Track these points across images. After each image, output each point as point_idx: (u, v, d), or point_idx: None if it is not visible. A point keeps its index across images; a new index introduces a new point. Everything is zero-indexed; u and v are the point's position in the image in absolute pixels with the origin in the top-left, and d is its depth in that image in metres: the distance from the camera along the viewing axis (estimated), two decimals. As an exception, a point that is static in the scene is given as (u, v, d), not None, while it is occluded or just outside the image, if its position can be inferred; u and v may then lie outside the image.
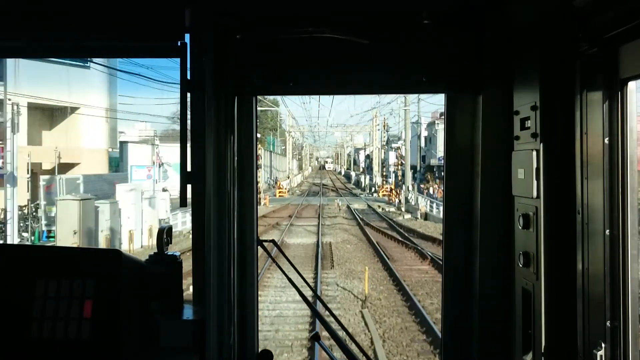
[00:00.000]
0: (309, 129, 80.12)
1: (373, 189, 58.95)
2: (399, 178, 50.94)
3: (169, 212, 27.43)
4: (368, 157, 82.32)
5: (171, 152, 57.14)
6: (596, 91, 1.84)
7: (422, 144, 63.17)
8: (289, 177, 71.17)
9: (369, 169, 79.19)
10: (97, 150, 38.73)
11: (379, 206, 42.44)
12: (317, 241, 23.58)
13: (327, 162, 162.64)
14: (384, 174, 59.17)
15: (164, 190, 48.42)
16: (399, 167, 52.67)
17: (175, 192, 55.24)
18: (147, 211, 24.08)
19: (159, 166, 55.87)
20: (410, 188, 39.80)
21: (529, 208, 2.04)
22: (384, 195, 53.03)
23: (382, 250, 20.85)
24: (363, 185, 68.68)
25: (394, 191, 43.71)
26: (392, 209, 40.10)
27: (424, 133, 63.73)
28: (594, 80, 1.85)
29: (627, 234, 1.79)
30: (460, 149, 2.41)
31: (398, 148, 56.50)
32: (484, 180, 2.30)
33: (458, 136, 2.42)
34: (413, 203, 38.35)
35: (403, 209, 37.90)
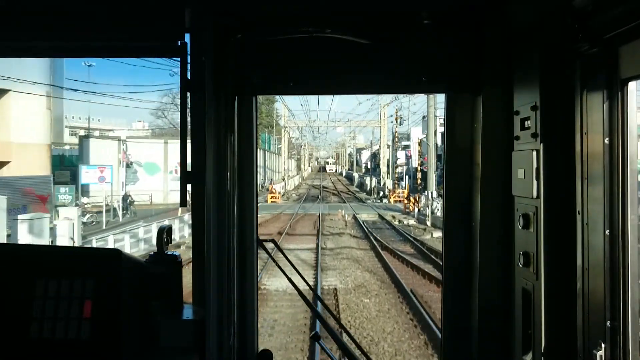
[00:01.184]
0: (307, 123, 70.53)
1: (381, 193, 49.76)
2: (418, 182, 41.31)
3: (79, 239, 17.45)
4: (374, 156, 72.83)
5: (145, 150, 47.14)
6: (596, 91, 1.98)
7: (439, 141, 53.36)
8: (284, 179, 61.67)
9: (375, 169, 69.57)
10: (33, 146, 29.37)
11: (394, 217, 38.21)
12: (315, 286, 15.74)
13: (328, 162, 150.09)
14: (396, 175, 49.65)
15: (126, 196, 38.40)
16: (419, 167, 43.18)
17: (145, 197, 44.93)
18: (27, 242, 14.31)
19: (127, 166, 45.90)
20: (435, 195, 30.19)
21: (529, 208, 2.19)
22: (396, 201, 47.35)
23: (425, 309, 13.25)
24: (369, 188, 63.55)
25: (412, 198, 34.41)
26: (412, 222, 35.02)
27: (441, 129, 53.91)
28: (594, 81, 1.99)
29: (627, 234, 1.91)
30: (460, 149, 2.57)
31: (420, 142, 46.98)
32: (484, 180, 2.46)
33: (458, 136, 2.58)
34: (440, 214, 28.37)
35: (429, 223, 28.21)
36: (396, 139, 54.88)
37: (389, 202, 48.13)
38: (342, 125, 69.60)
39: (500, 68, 2.35)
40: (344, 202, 48.45)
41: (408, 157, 63.97)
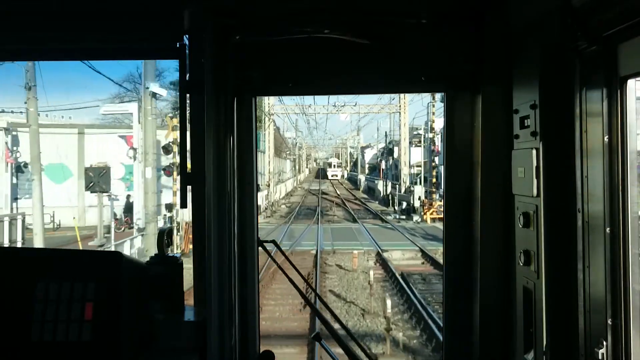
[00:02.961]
0: (299, 106, 53.86)
1: (404, 204, 39.07)
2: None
3: None
4: (390, 152, 55.99)
5: (48, 145, 29.79)
6: (595, 89, 1.99)
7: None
8: (269, 185, 44.96)
9: (389, 170, 53.17)
10: None
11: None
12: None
13: (330, 164, 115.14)
14: (434, 180, 33.64)
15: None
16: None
17: (47, 218, 27.73)
18: None
19: (15, 171, 28.53)
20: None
21: (529, 206, 2.20)
22: (433, 219, 32.88)
23: None
24: (381, 194, 49.35)
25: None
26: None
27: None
28: (593, 79, 2.01)
29: (627, 232, 1.92)
30: (460, 148, 2.59)
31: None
32: (484, 179, 2.48)
33: (458, 135, 2.60)
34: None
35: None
36: (432, 127, 38.34)
37: (424, 220, 32.20)
38: (348, 112, 52.87)
39: (500, 67, 2.39)
40: (355, 222, 32.68)
41: (435, 154, 48.02)
